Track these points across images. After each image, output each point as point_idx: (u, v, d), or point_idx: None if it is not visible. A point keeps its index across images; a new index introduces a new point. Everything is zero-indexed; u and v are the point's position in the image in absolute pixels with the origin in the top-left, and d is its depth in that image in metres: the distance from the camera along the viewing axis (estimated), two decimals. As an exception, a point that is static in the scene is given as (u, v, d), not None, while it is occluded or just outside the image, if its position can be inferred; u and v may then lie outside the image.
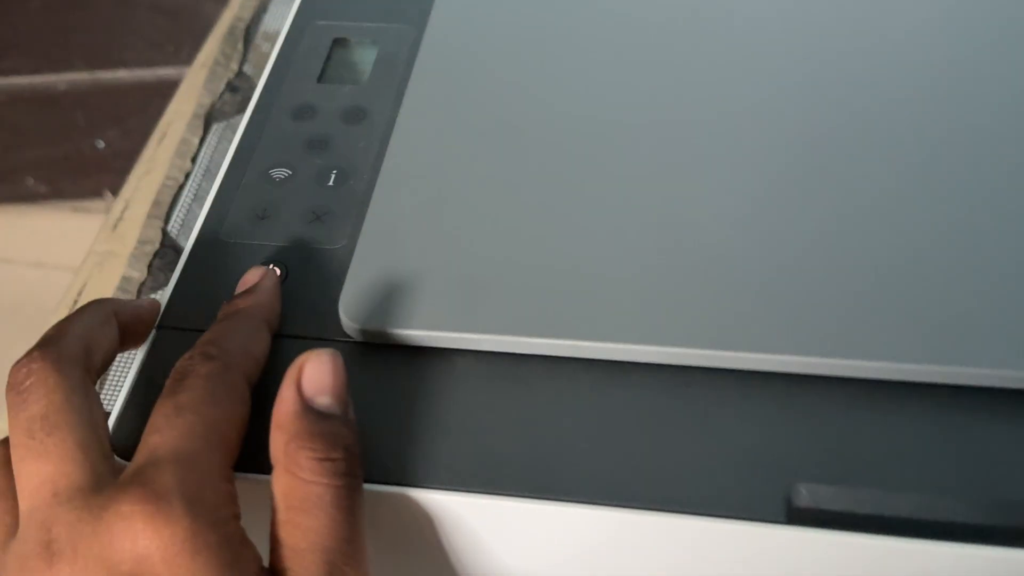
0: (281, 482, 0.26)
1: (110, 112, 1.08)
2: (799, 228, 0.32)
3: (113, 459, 0.27)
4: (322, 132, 0.38)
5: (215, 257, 0.35)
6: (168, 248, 0.52)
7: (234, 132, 0.48)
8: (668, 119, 0.35)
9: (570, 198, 0.33)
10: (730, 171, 0.34)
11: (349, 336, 0.32)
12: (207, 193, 0.41)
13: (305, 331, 0.32)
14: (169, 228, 0.53)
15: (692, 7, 0.39)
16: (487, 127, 0.36)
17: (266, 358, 0.31)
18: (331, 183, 0.36)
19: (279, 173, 0.37)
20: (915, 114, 0.34)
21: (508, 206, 0.33)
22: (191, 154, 0.57)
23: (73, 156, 1.07)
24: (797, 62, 0.36)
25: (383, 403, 0.30)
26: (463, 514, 0.29)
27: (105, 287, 0.52)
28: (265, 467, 0.28)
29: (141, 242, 0.53)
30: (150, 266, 0.52)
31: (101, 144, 1.00)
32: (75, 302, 0.52)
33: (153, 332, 0.33)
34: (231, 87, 0.60)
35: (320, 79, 0.40)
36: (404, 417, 0.30)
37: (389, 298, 0.31)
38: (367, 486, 0.29)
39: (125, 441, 0.30)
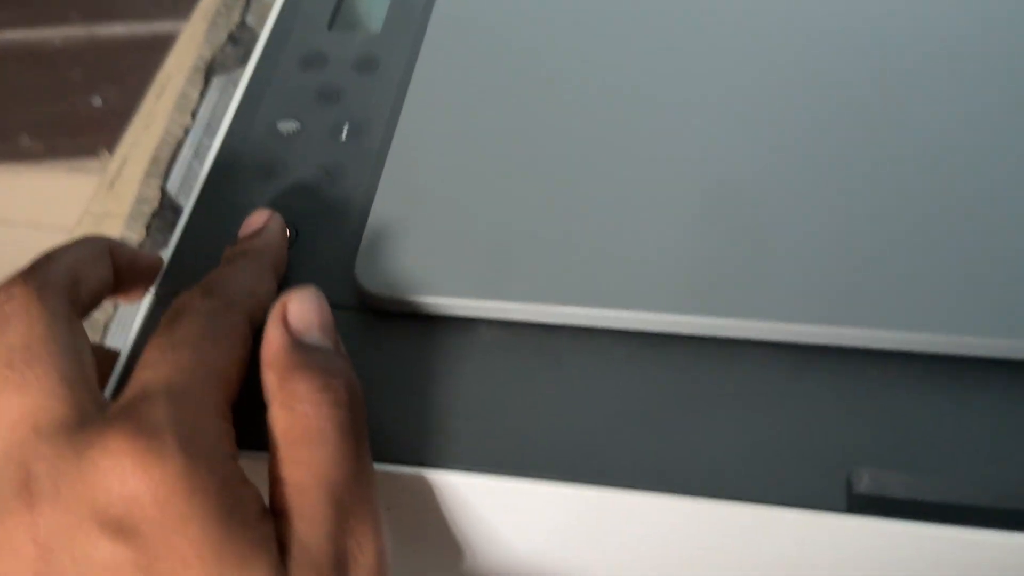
0: (279, 419, 0.25)
1: (107, 68, 1.05)
2: (855, 193, 0.29)
3: (100, 395, 0.25)
4: (333, 83, 0.35)
5: (218, 218, 0.32)
6: (167, 208, 0.49)
7: (236, 86, 0.45)
8: (701, 82, 0.32)
9: (609, 154, 0.31)
10: (765, 135, 0.31)
11: (364, 304, 0.29)
12: (208, 150, 0.38)
13: (316, 298, 0.29)
14: (168, 187, 0.50)
15: None
16: (513, 78, 0.33)
17: (271, 302, 0.28)
18: (343, 138, 0.33)
19: (287, 127, 0.34)
20: (928, 76, 0.32)
21: (538, 164, 0.31)
22: (191, 108, 0.54)
23: (69, 114, 1.04)
24: (799, 35, 0.33)
25: (400, 377, 0.28)
26: (490, 498, 0.27)
27: (101, 249, 0.49)
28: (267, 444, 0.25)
29: (139, 202, 0.50)
30: (148, 227, 0.49)
31: (98, 101, 0.97)
32: (70, 265, 0.49)
33: (151, 297, 0.30)
34: (232, 39, 0.57)
35: (331, 26, 0.37)
36: (424, 392, 0.28)
37: (408, 263, 0.29)
38: (381, 466, 0.26)
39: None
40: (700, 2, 0.34)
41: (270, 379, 0.25)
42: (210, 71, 0.56)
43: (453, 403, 0.27)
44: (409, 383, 0.28)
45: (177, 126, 0.53)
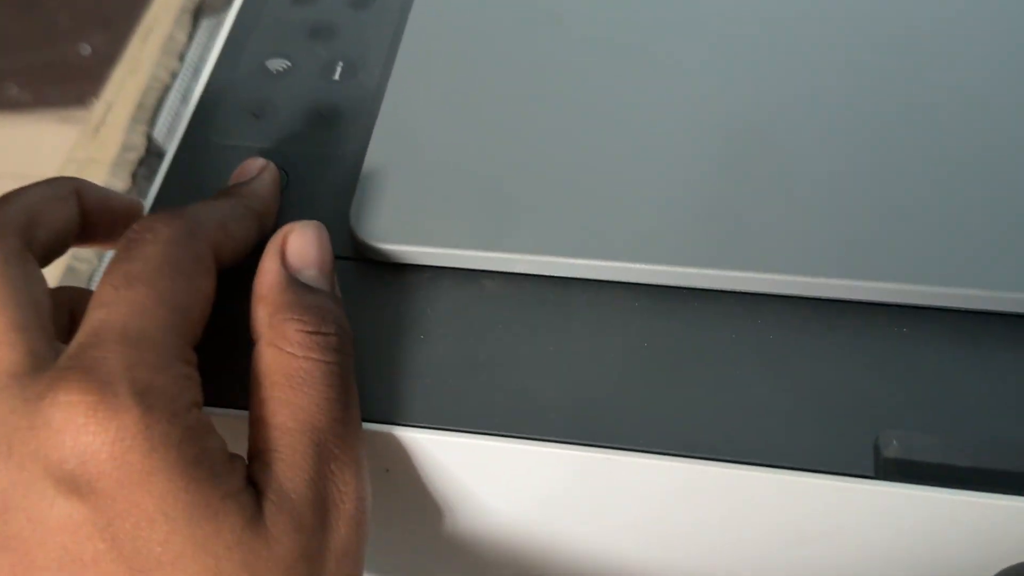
0: (265, 357, 0.23)
1: (95, 14, 1.02)
2: (887, 141, 0.27)
3: (56, 341, 0.23)
4: (327, 18, 0.33)
5: (203, 161, 0.30)
6: (153, 155, 0.47)
7: (226, 26, 0.43)
8: (715, 23, 0.30)
9: (620, 100, 0.29)
10: (785, 80, 0.29)
11: (359, 254, 0.27)
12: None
13: (308, 247, 0.27)
14: (155, 133, 0.48)
15: None
16: (518, 12, 0.31)
17: (247, 248, 0.26)
18: (337, 77, 0.31)
19: (277, 65, 0.32)
20: (955, 23, 0.29)
21: (545, 106, 0.29)
22: (178, 52, 0.52)
23: (57, 62, 1.01)
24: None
25: (397, 330, 0.26)
26: (492, 460, 0.25)
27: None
28: (241, 402, 0.24)
29: (124, 148, 0.48)
30: (134, 175, 0.47)
31: (87, 49, 0.94)
32: (53, 214, 0.47)
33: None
34: (222, -21, 0.54)
35: (323, -42, 0.34)
36: (422, 347, 0.26)
37: (406, 211, 0.27)
38: (376, 426, 0.25)
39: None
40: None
41: (260, 314, 0.24)
42: (199, 13, 0.53)
43: (453, 359, 0.26)
44: (406, 337, 0.26)
45: (164, 70, 0.51)
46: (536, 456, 0.25)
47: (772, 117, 0.28)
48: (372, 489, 0.25)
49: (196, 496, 0.21)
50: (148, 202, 0.30)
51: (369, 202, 0.27)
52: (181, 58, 0.51)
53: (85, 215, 0.27)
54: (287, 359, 0.23)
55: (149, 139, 0.48)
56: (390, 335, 0.26)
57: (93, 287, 0.39)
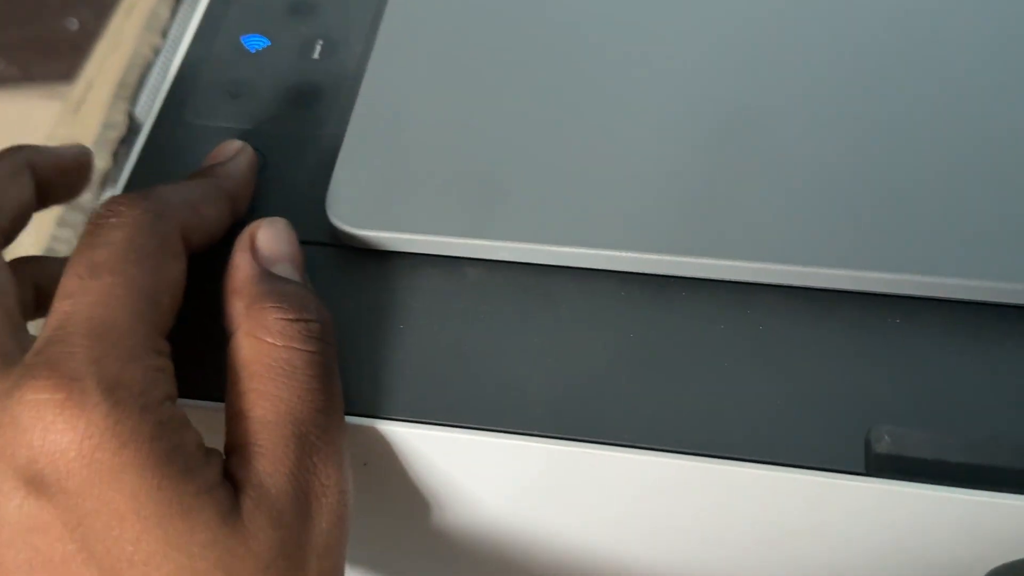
0: (243, 348, 0.23)
1: (82, -12, 1.00)
2: (878, 129, 0.26)
3: (22, 332, 0.23)
4: (306, -6, 0.32)
5: (178, 141, 0.29)
6: (134, 134, 0.46)
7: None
8: (694, 15, 0.29)
9: (606, 84, 0.28)
10: (777, 65, 0.28)
11: (336, 240, 0.26)
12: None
13: (284, 233, 0.26)
14: (136, 111, 0.47)
15: None
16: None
17: (219, 230, 0.26)
18: (316, 56, 0.30)
19: (255, 43, 0.31)
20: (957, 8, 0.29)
21: (530, 89, 0.28)
22: (161, 28, 0.50)
23: (44, 37, 0.99)
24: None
25: (376, 319, 0.25)
26: (474, 454, 0.24)
27: (66, 177, 0.46)
28: (219, 394, 0.23)
29: (105, 127, 0.47)
30: (115, 154, 0.46)
31: (74, 24, 0.92)
32: (32, 194, 0.46)
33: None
34: (206, -47, 0.53)
35: (304, -68, 0.33)
36: (401, 337, 0.25)
37: (384, 196, 0.26)
38: (354, 419, 0.24)
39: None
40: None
41: (235, 306, 0.23)
42: (182, -12, 0.52)
43: (433, 350, 0.25)
44: (385, 326, 0.25)
45: (147, 47, 0.50)
46: (519, 450, 0.24)
47: (763, 103, 0.27)
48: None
49: (168, 493, 0.20)
50: (121, 183, 0.29)
51: (347, 186, 0.26)
52: (164, 34, 0.50)
53: (40, 184, 0.26)
54: (267, 349, 0.22)
55: (130, 117, 0.47)
56: (368, 324, 0.25)
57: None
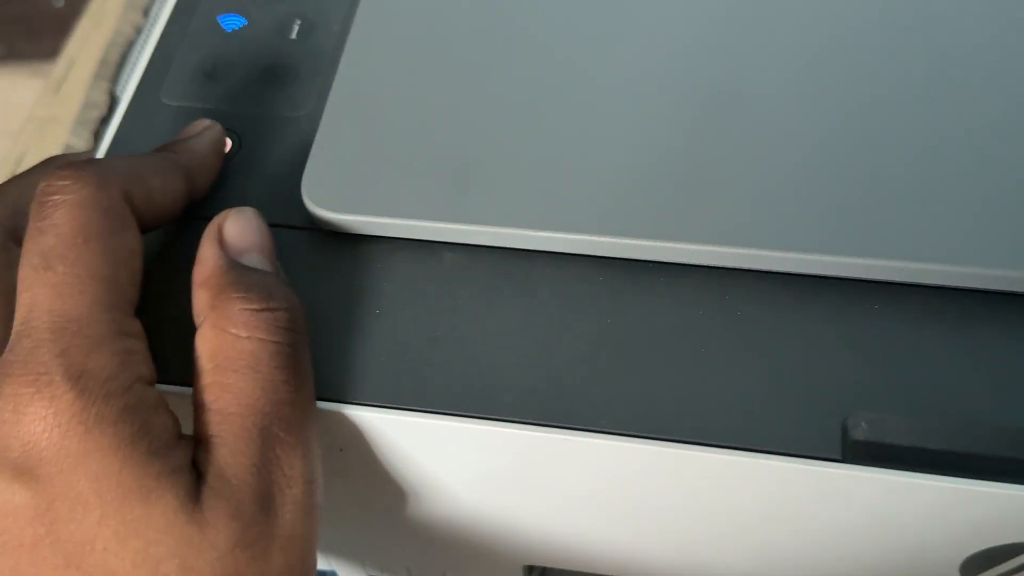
0: (207, 339, 0.23)
1: (68, -35, 0.99)
2: (856, 113, 0.26)
3: (7, 325, 0.23)
4: (284, -27, 0.31)
5: (153, 122, 0.29)
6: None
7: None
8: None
9: (585, 66, 0.27)
10: (753, 49, 0.28)
11: (312, 224, 0.26)
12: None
13: (258, 216, 0.26)
14: (118, 91, 0.47)
15: None
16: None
17: (171, 205, 0.25)
18: (294, 36, 0.30)
19: (232, 22, 0.30)
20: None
21: (509, 70, 0.27)
22: (143, 6, 0.50)
23: (30, 15, 0.98)
24: None
25: (352, 304, 0.25)
26: (452, 440, 0.24)
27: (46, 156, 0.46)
28: (187, 379, 0.23)
29: (86, 106, 0.47)
30: (96, 133, 0.46)
31: (60, 2, 0.92)
32: (12, 173, 0.46)
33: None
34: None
35: (282, -91, 0.33)
36: (378, 322, 0.25)
37: (360, 179, 0.26)
38: (329, 405, 0.24)
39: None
40: None
41: (202, 298, 0.23)
42: (164, -35, 0.51)
43: (410, 335, 0.25)
44: (361, 311, 0.25)
45: (128, 25, 0.49)
46: (495, 436, 0.24)
47: (741, 87, 0.26)
48: (326, 469, 0.25)
49: (129, 476, 0.20)
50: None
51: (323, 169, 0.26)
52: (146, 12, 0.49)
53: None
54: (231, 340, 0.22)
55: (112, 96, 0.47)
56: (344, 309, 0.25)
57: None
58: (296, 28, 0.30)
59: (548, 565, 0.32)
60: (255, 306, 0.22)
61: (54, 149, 0.46)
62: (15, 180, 0.27)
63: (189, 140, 0.27)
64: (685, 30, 0.28)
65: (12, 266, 0.23)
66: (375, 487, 0.27)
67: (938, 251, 0.24)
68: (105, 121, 0.46)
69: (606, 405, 0.23)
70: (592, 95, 0.27)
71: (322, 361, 0.24)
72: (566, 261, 0.25)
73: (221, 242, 0.24)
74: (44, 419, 0.20)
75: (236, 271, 0.23)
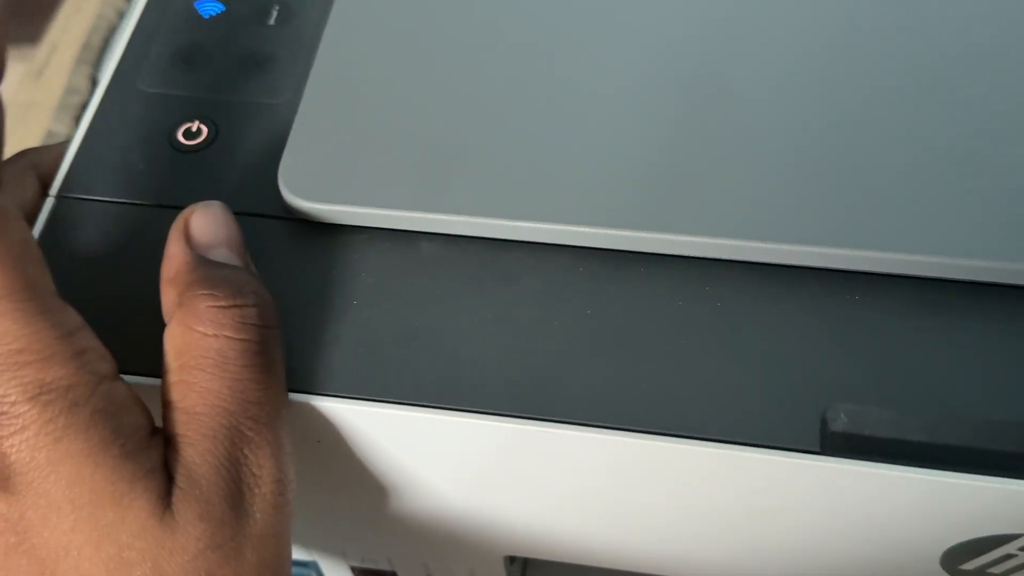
0: (174, 337, 0.22)
1: (53, -53, 0.98)
2: (839, 104, 0.26)
3: None
4: (262, -42, 0.31)
5: (129, 110, 0.28)
6: (97, 99, 0.45)
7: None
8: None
9: (568, 54, 0.27)
10: (738, 40, 0.27)
11: (289, 213, 0.26)
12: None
13: (234, 205, 0.25)
14: (100, 76, 0.46)
15: None
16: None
17: (31, 200, 0.26)
18: (272, 22, 0.30)
19: (209, 8, 0.30)
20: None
21: (491, 60, 0.27)
22: (125, -10, 0.49)
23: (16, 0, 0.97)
24: None
25: (329, 295, 0.25)
26: (432, 434, 0.24)
27: (28, 143, 0.45)
28: (156, 370, 0.23)
29: (68, 91, 0.46)
30: (78, 119, 0.45)
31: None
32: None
33: (51, 201, 0.27)
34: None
35: None
36: (356, 313, 0.25)
37: (338, 168, 0.26)
38: (305, 397, 0.23)
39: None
40: None
41: (169, 296, 0.23)
42: (147, -52, 0.51)
43: (387, 326, 0.24)
44: (337, 302, 0.25)
45: (111, 9, 0.49)
46: (472, 429, 0.24)
47: (723, 78, 0.26)
48: (304, 460, 0.24)
49: (102, 481, 0.20)
50: (71, 154, 0.28)
51: (300, 157, 0.26)
52: (128, -4, 0.49)
53: (44, 182, 0.27)
54: (198, 339, 0.22)
55: (94, 81, 0.46)
56: (320, 300, 0.25)
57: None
58: (274, 14, 0.30)
59: (529, 555, 0.32)
60: (222, 303, 0.22)
61: (36, 134, 0.46)
62: None
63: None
64: (663, 18, 0.27)
65: None
66: (354, 478, 0.27)
67: (919, 242, 0.23)
68: (87, 106, 0.46)
69: (585, 397, 0.23)
70: (573, 85, 0.26)
71: (299, 353, 0.24)
72: (546, 252, 0.25)
73: (188, 238, 0.24)
74: (13, 436, 0.20)
75: (203, 267, 0.23)
